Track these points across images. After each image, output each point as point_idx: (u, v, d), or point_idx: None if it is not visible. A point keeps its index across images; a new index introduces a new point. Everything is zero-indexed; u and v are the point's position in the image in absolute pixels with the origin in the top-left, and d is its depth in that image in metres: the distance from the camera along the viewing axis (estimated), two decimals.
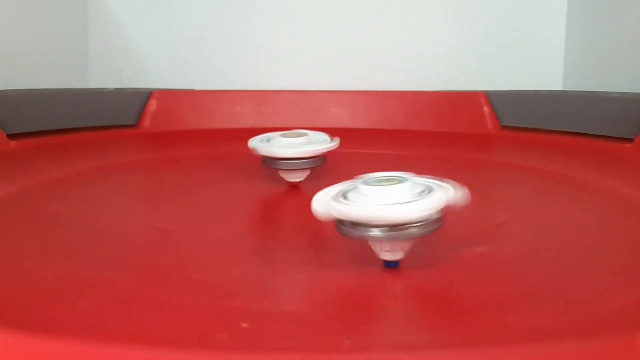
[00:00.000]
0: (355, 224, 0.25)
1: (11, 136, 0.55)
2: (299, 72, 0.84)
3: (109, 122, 0.67)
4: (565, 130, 0.64)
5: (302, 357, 0.17)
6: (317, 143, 0.42)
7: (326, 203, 0.25)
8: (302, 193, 0.42)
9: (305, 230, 0.33)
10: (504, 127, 0.69)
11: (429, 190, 0.26)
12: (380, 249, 0.25)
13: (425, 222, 0.24)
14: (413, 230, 0.24)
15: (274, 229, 0.34)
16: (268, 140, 0.42)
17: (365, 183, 0.26)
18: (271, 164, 0.41)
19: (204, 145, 0.63)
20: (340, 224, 0.25)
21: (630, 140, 0.55)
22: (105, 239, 0.31)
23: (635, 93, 0.59)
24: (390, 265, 0.26)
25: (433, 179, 0.27)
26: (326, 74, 0.83)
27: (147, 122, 0.69)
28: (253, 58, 0.84)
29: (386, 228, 0.24)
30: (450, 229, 0.34)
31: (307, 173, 0.42)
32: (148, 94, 0.71)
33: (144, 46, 0.85)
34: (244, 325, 0.20)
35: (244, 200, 0.42)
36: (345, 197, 0.26)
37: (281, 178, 0.42)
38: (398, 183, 0.25)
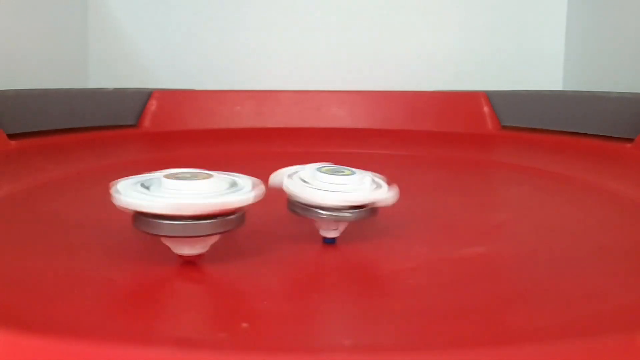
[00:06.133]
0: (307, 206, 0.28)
1: (11, 136, 0.55)
2: (299, 72, 0.84)
3: (109, 122, 0.67)
4: (565, 130, 0.64)
5: (302, 357, 0.17)
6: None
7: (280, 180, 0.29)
8: None
9: (303, 230, 0.33)
10: (504, 127, 0.69)
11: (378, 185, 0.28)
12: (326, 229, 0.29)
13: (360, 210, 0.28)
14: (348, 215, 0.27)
15: (273, 229, 0.34)
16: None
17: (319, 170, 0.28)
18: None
19: (204, 145, 0.63)
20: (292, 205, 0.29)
21: (630, 140, 0.55)
22: (105, 239, 0.31)
23: (635, 93, 0.59)
24: (328, 241, 0.29)
25: (376, 176, 0.29)
26: (326, 74, 0.83)
27: (147, 122, 0.69)
28: (253, 58, 0.84)
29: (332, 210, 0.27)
30: (451, 229, 0.34)
31: None
32: (148, 94, 0.71)
33: (144, 46, 0.85)
34: (244, 325, 0.20)
35: None
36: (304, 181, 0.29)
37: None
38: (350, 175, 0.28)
